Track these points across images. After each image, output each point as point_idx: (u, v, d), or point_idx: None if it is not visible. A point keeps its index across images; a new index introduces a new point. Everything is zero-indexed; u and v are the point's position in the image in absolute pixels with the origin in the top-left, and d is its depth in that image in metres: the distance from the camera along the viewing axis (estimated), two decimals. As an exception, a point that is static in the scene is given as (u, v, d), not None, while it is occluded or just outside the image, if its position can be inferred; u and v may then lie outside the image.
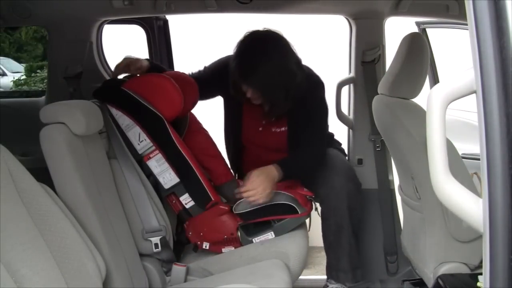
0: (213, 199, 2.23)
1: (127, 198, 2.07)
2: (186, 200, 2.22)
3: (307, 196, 2.28)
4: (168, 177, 2.20)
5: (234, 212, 2.24)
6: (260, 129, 2.49)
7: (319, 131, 2.39)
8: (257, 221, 2.25)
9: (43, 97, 2.89)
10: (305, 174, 2.34)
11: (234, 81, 2.31)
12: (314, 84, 2.38)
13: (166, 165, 2.19)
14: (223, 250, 2.25)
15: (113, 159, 2.09)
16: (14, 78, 9.91)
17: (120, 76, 2.38)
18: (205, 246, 2.25)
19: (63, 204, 1.63)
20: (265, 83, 2.22)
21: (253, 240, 2.23)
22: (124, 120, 2.18)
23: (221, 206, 2.25)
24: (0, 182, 1.40)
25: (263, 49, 2.22)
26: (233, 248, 2.24)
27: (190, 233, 2.24)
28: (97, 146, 1.96)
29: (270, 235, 2.22)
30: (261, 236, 2.23)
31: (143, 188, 2.10)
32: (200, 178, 2.22)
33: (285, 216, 2.22)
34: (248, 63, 2.22)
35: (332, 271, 2.42)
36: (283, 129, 2.44)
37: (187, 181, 2.21)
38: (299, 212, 2.21)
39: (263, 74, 2.20)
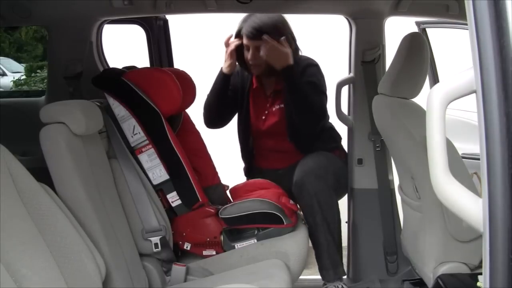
0: (200, 200, 2.23)
1: (127, 198, 2.07)
2: (173, 199, 2.21)
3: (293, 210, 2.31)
4: (157, 173, 2.19)
5: (220, 216, 2.24)
6: (263, 117, 2.63)
7: (312, 105, 2.49)
8: (242, 227, 2.25)
9: (43, 97, 2.89)
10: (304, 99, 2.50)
11: (241, 42, 2.53)
12: (306, 63, 2.57)
13: (158, 160, 2.18)
14: (204, 253, 2.23)
15: (113, 159, 2.09)
16: (14, 78, 9.90)
17: (120, 67, 2.40)
18: (186, 247, 2.24)
19: (63, 204, 1.63)
20: (274, 30, 2.46)
21: (236, 246, 2.23)
22: (120, 110, 2.17)
23: (207, 208, 2.24)
24: (0, 182, 1.40)
25: (271, 15, 2.52)
26: (214, 252, 2.23)
27: (173, 232, 2.21)
28: (97, 146, 1.96)
29: (253, 242, 2.23)
30: (243, 243, 2.23)
31: (143, 188, 2.10)
32: (190, 178, 2.21)
33: (270, 225, 2.23)
34: (259, 19, 2.49)
35: (319, 270, 2.46)
36: (282, 105, 2.58)
37: (177, 179, 2.20)
38: (285, 223, 2.22)
39: (274, 23, 2.48)
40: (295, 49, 2.56)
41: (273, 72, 2.52)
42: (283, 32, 2.48)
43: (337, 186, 2.51)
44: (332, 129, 2.71)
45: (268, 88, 2.66)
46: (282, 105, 2.59)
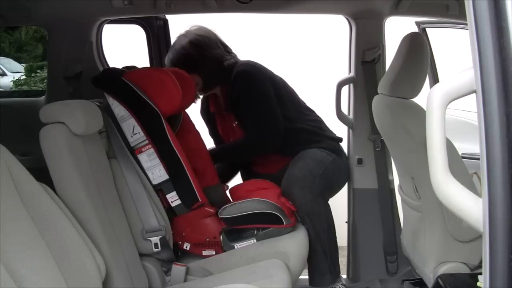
0: (200, 200, 2.22)
1: (127, 198, 2.07)
2: (173, 199, 2.21)
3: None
4: (157, 173, 2.19)
5: (220, 216, 2.24)
6: (232, 139, 2.66)
7: (251, 118, 2.50)
8: (242, 227, 2.25)
9: (43, 97, 2.89)
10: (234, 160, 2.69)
11: None
12: (235, 74, 2.52)
13: (157, 160, 2.18)
14: (203, 253, 2.23)
15: (113, 159, 2.09)
16: (14, 78, 9.90)
17: (120, 67, 2.40)
18: (186, 247, 2.24)
19: (63, 204, 1.63)
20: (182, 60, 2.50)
21: (235, 246, 2.22)
22: (120, 110, 2.17)
23: (206, 208, 2.24)
24: (0, 182, 1.40)
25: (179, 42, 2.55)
26: (213, 252, 2.23)
27: (173, 232, 2.21)
28: (97, 146, 1.96)
29: (252, 242, 2.22)
30: (243, 243, 2.22)
31: (143, 188, 2.10)
32: (190, 178, 2.20)
33: (270, 226, 2.22)
34: (169, 55, 2.57)
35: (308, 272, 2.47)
36: (237, 122, 2.60)
37: (176, 179, 2.20)
38: (284, 223, 2.22)
39: (180, 60, 2.50)
40: (227, 60, 2.54)
41: (210, 85, 2.57)
42: (190, 63, 2.49)
43: (329, 186, 2.50)
44: (316, 127, 2.64)
45: (221, 106, 2.66)
46: (237, 122, 2.61)
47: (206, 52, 2.50)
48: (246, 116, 2.52)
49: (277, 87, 2.56)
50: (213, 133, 2.76)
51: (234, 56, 2.59)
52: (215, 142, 2.79)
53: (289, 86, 2.65)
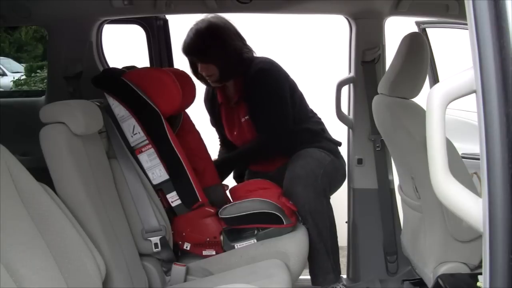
0: (200, 200, 2.22)
1: (127, 198, 2.07)
2: (173, 199, 2.21)
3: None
4: (157, 173, 2.19)
5: (220, 216, 2.24)
6: (235, 132, 2.64)
7: (268, 116, 2.48)
8: (242, 227, 2.25)
9: (43, 97, 2.89)
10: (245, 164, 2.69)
11: (191, 63, 2.55)
12: (256, 71, 2.48)
13: (157, 160, 2.18)
14: (204, 253, 2.23)
15: (113, 159, 2.09)
16: (14, 78, 9.90)
17: (120, 67, 2.40)
18: (186, 247, 2.24)
19: (63, 204, 1.63)
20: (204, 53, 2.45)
21: (235, 246, 2.22)
22: (120, 110, 2.17)
23: (207, 208, 2.24)
24: (0, 182, 1.40)
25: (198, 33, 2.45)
26: (214, 252, 2.23)
27: (173, 232, 2.21)
28: (97, 145, 1.96)
29: (252, 242, 2.22)
30: (243, 243, 2.22)
31: (143, 188, 2.10)
32: (190, 178, 2.20)
33: (270, 225, 2.22)
34: (186, 39, 2.48)
35: (309, 272, 2.47)
36: (247, 117, 2.56)
37: (177, 179, 2.20)
38: (284, 223, 2.22)
39: (197, 47, 2.45)
40: (245, 52, 2.50)
41: (227, 77, 2.51)
42: (210, 52, 2.43)
43: (331, 183, 2.49)
44: (319, 128, 2.64)
45: (231, 99, 2.63)
46: (247, 117, 2.57)
47: (226, 43, 2.43)
48: (259, 112, 2.50)
49: (290, 87, 2.57)
50: (215, 122, 2.74)
51: (251, 50, 2.54)
52: (217, 131, 2.78)
53: (298, 88, 2.65)
